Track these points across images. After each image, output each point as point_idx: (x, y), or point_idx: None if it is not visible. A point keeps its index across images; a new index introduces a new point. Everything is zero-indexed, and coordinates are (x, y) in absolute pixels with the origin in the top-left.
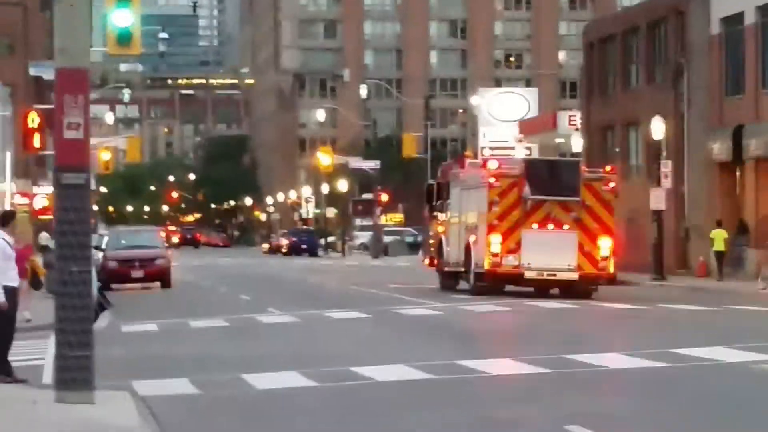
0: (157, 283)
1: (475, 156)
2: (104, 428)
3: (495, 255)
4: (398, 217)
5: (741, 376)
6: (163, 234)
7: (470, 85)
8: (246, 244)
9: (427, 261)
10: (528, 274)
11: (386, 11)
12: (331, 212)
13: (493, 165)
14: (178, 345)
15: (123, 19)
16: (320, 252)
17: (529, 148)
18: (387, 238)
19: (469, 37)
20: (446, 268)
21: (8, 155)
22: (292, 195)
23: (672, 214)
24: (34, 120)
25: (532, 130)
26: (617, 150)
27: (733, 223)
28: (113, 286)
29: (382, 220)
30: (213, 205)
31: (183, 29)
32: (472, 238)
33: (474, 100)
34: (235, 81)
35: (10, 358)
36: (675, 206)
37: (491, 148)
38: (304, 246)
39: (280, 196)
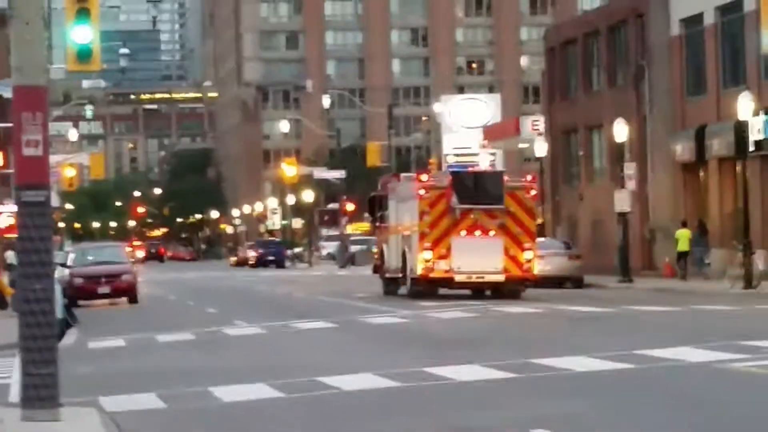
0: (124, 299)
1: (440, 163)
2: None
3: (427, 261)
4: (364, 226)
5: (707, 376)
6: (128, 249)
7: (433, 93)
8: (213, 258)
9: (372, 268)
10: (458, 278)
11: (347, 21)
12: (297, 223)
13: (423, 178)
14: (145, 360)
15: (82, 35)
16: (287, 263)
17: (493, 154)
18: (353, 248)
19: (431, 45)
20: (387, 274)
21: None
22: (258, 207)
23: (637, 215)
24: None
25: (496, 136)
26: (581, 153)
27: (695, 224)
28: (80, 302)
29: (348, 229)
30: (179, 219)
31: (144, 44)
32: (407, 246)
33: (437, 107)
34: (199, 94)
35: None
36: (640, 208)
37: (456, 155)
38: (270, 258)
39: (246, 209)
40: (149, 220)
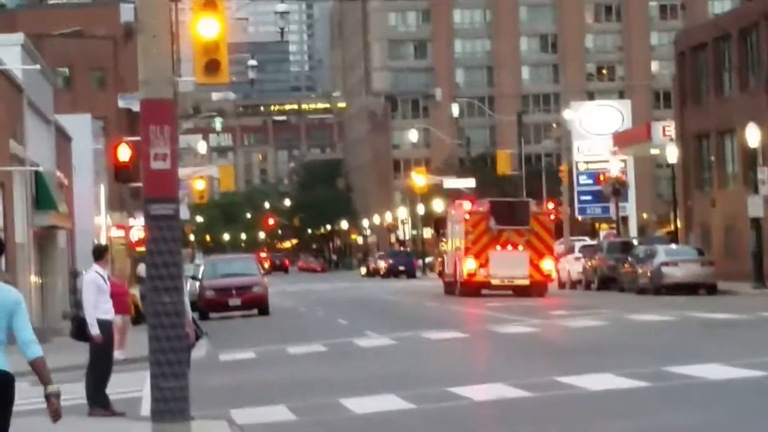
0: (255, 311)
1: (570, 171)
2: None
3: (471, 269)
4: None
5: None
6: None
7: (563, 100)
8: (343, 268)
9: (437, 274)
10: (494, 282)
11: (476, 28)
12: (427, 233)
13: (467, 205)
14: (275, 371)
15: (208, 27)
16: (418, 273)
17: (624, 161)
18: None
19: (560, 51)
20: (446, 279)
21: (103, 188)
22: (388, 217)
23: None
24: (124, 152)
25: (627, 142)
26: (713, 158)
27: None
28: (211, 314)
29: None
30: (309, 230)
31: (273, 55)
32: (457, 257)
33: (567, 114)
34: (327, 105)
35: (108, 392)
36: None
37: (586, 162)
38: (401, 268)
39: (376, 219)
40: (279, 232)
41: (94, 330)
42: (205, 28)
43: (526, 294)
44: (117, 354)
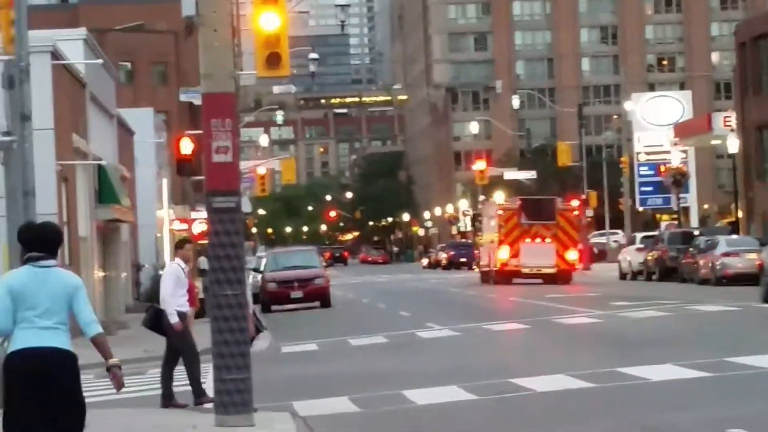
0: (317, 303)
1: (631, 162)
2: None
3: (503, 259)
4: None
5: None
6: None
7: (623, 91)
8: (405, 260)
9: (474, 265)
10: (524, 271)
11: (536, 20)
12: None
13: (499, 202)
14: (338, 363)
15: (269, 21)
16: None
17: (684, 151)
18: None
19: (621, 43)
20: (482, 269)
21: (165, 181)
22: (450, 209)
23: None
24: (186, 146)
25: (687, 133)
26: None
27: None
28: (273, 307)
29: None
30: (371, 223)
31: (334, 48)
32: (491, 249)
33: (628, 105)
34: (388, 98)
35: (174, 384)
36: None
37: (647, 153)
38: (463, 259)
39: (438, 211)
40: (341, 224)
41: (174, 318)
42: (266, 21)
43: (553, 281)
44: None
